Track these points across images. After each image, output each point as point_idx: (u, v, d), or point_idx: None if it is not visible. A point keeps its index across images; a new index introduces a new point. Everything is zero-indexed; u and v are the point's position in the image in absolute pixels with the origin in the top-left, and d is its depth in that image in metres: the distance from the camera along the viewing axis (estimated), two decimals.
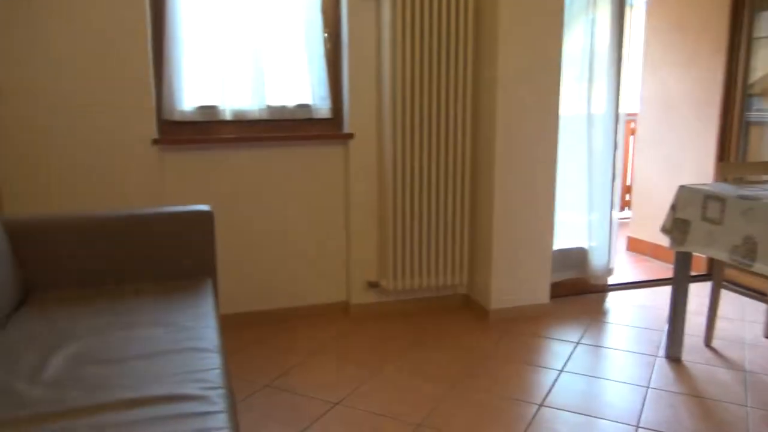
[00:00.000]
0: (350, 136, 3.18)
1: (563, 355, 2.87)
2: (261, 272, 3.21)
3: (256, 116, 3.08)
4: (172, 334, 1.77)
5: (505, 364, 2.77)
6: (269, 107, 3.11)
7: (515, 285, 3.31)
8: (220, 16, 2.94)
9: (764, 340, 3.04)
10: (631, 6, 3.64)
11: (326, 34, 3.14)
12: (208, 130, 3.06)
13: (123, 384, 1.46)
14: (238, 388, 2.53)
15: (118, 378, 1.50)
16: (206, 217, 2.39)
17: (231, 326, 3.19)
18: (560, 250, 3.60)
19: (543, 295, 3.37)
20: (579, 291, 3.73)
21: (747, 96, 3.73)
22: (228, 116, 3.04)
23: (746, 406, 2.40)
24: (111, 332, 1.79)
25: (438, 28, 3.09)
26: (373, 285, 3.35)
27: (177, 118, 2.98)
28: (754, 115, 3.71)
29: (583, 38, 3.49)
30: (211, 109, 3.03)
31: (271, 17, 3.04)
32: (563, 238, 3.62)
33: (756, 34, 3.65)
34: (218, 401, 1.39)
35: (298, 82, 3.14)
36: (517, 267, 3.29)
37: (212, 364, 1.58)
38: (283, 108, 3.15)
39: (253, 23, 2.98)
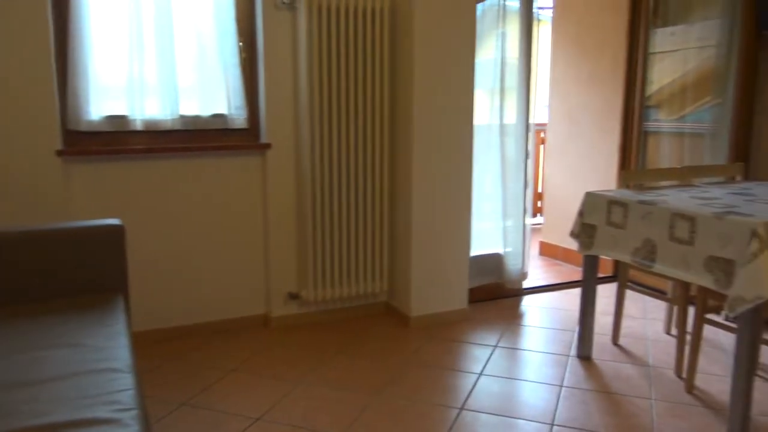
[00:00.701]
0: (267, 146, 3.15)
1: (482, 358, 2.94)
2: (177, 287, 3.12)
3: (169, 126, 2.99)
4: (81, 355, 1.69)
5: (426, 369, 2.81)
6: (183, 117, 3.03)
7: (434, 292, 3.37)
8: (130, 23, 2.84)
9: (665, 335, 3.24)
10: (539, 21, 3.81)
11: (241, 44, 3.10)
12: (117, 140, 2.94)
13: (29, 410, 1.38)
14: (153, 409, 2.43)
15: (24, 403, 1.41)
16: (116, 231, 2.29)
17: (146, 344, 3.07)
18: (477, 257, 3.70)
19: (461, 301, 3.45)
20: (496, 295, 3.84)
21: (645, 107, 3.98)
22: (139, 126, 2.93)
23: (650, 398, 2.54)
24: (15, 354, 1.69)
25: (354, 38, 3.12)
26: (293, 296, 3.31)
27: (84, 128, 2.85)
28: (651, 125, 3.96)
29: (494, 51, 3.62)
30: (120, 119, 2.92)
31: (184, 26, 2.97)
32: (480, 245, 3.72)
33: (651, 49, 3.90)
34: (131, 423, 1.33)
35: (212, 91, 3.08)
36: (436, 274, 3.35)
37: (124, 384, 1.52)
38: (197, 118, 3.08)
39: (166, 31, 2.90)
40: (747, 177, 3.41)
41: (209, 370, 2.78)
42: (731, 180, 3.24)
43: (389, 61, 3.24)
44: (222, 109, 3.11)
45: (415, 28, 3.08)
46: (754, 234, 2.08)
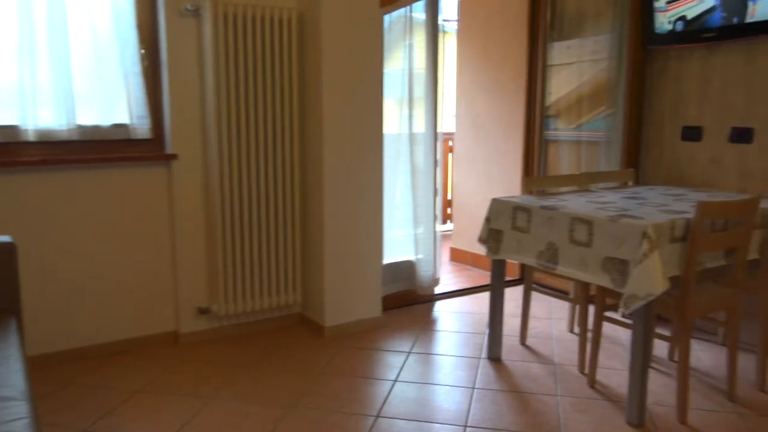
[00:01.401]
0: (173, 156, 3.05)
1: (396, 365, 2.97)
2: (77, 306, 2.95)
3: (66, 137, 2.84)
4: None
5: (341, 379, 2.80)
6: (80, 127, 2.89)
7: (348, 301, 3.37)
8: (20, 26, 2.67)
9: (569, 334, 3.39)
10: (444, 32, 3.91)
11: (143, 51, 2.99)
12: (8, 152, 2.76)
13: None
14: None
15: None
16: (7, 250, 2.14)
17: (43, 368, 2.88)
18: (390, 264, 3.74)
19: (375, 309, 3.47)
20: (409, 302, 3.89)
21: (545, 117, 4.17)
22: (32, 137, 2.76)
23: (556, 395, 2.65)
24: None
25: (262, 47, 3.09)
26: (203, 311, 3.22)
27: None
28: (551, 134, 4.16)
29: (402, 62, 3.68)
30: (10, 129, 2.74)
31: (81, 32, 2.83)
32: (392, 253, 3.76)
33: (549, 62, 4.10)
34: None
35: (113, 100, 2.95)
36: (350, 283, 3.36)
37: (18, 413, 1.42)
38: (96, 128, 2.94)
39: (60, 37, 2.75)
40: (638, 182, 3.65)
41: (113, 393, 2.65)
42: (624, 185, 3.45)
43: (298, 71, 3.23)
44: (123, 118, 2.99)
45: (323, 38, 3.09)
46: (644, 235, 2.23)
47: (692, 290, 2.36)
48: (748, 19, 2.99)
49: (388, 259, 3.69)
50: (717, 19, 3.12)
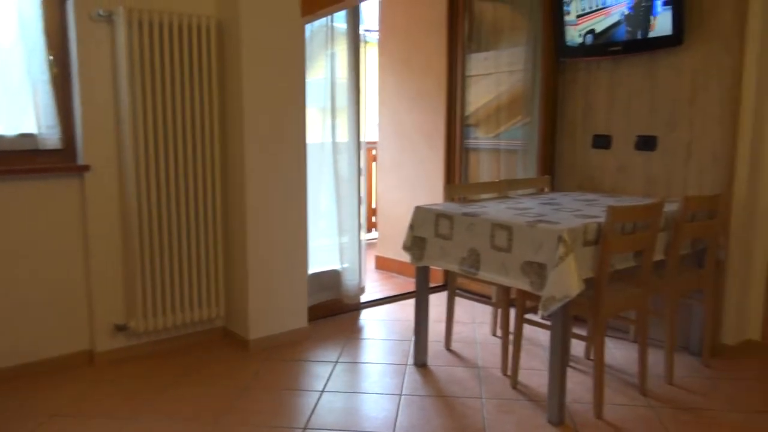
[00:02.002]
0: (86, 168, 2.92)
1: (323, 375, 2.95)
2: None
3: None
4: None
5: (266, 392, 2.76)
6: None
7: (273, 312, 3.32)
8: None
9: (492, 337, 3.48)
10: (365, 42, 3.95)
11: (52, 58, 2.85)
12: None
13: None
14: None
15: None
16: None
17: None
18: (315, 274, 3.71)
19: (301, 320, 3.44)
20: (335, 311, 3.88)
21: (465, 126, 4.28)
22: None
23: (481, 398, 2.71)
24: None
25: (180, 55, 3.01)
26: (121, 328, 3.09)
27: None
28: (471, 142, 4.27)
29: (325, 72, 3.68)
30: None
31: None
32: (317, 262, 3.74)
33: (468, 72, 4.21)
34: None
35: (19, 109, 2.80)
36: (274, 294, 3.31)
37: None
38: (0, 138, 2.77)
39: None
40: (553, 188, 3.80)
41: (25, 419, 2.49)
42: (541, 191, 3.58)
43: (218, 80, 3.17)
44: (31, 128, 2.84)
45: (244, 47, 3.05)
46: (560, 239, 2.32)
47: (605, 291, 2.48)
48: (651, 34, 3.18)
49: (313, 268, 3.67)
50: (622, 33, 3.30)
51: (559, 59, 3.69)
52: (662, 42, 3.15)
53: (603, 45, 3.41)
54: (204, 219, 3.19)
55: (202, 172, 3.16)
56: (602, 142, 3.57)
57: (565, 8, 3.53)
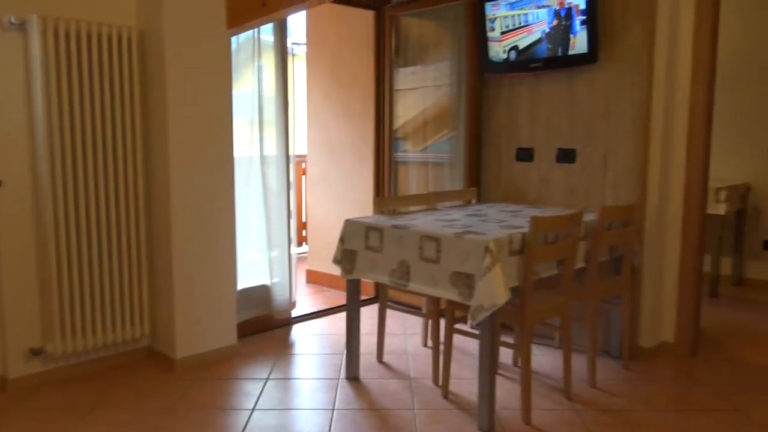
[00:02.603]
0: None
1: (254, 393, 2.90)
2: None
3: None
4: None
5: (194, 413, 2.67)
6: None
7: (201, 330, 3.23)
8: None
9: (423, 348, 3.52)
10: (293, 55, 3.94)
11: None
12: None
13: None
14: None
15: None
16: None
17: None
18: (244, 290, 3.65)
19: (230, 337, 3.37)
20: (265, 327, 3.82)
21: (393, 139, 4.33)
22: None
23: (413, 409, 2.73)
24: None
25: (99, 66, 2.91)
26: (36, 352, 2.92)
27: None
28: (400, 155, 4.32)
29: (252, 84, 3.64)
30: None
31: None
32: (246, 277, 3.68)
33: (396, 86, 4.27)
34: None
35: None
36: (202, 312, 3.23)
37: None
38: None
39: None
40: (480, 200, 3.89)
41: None
42: (468, 203, 3.66)
43: (140, 92, 3.08)
44: None
45: (167, 58, 2.98)
46: (486, 250, 2.38)
47: (530, 299, 2.56)
48: (570, 52, 3.33)
49: (242, 284, 3.60)
50: (543, 50, 3.44)
51: (483, 74, 3.79)
52: (579, 60, 3.30)
53: (525, 61, 3.53)
54: (126, 234, 3.08)
55: (124, 186, 3.05)
56: (525, 154, 3.69)
57: (489, 25, 3.64)
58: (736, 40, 4.77)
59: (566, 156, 3.50)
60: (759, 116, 4.79)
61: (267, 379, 3.07)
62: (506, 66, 3.63)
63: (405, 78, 4.22)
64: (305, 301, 4.50)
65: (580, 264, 2.88)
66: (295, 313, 4.02)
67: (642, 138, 3.21)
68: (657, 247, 3.31)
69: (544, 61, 3.44)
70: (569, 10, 3.27)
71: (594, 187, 3.41)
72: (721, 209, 4.38)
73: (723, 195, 4.37)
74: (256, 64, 3.64)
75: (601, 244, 2.90)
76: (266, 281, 3.79)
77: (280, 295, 3.80)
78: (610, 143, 3.33)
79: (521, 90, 3.68)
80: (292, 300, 3.91)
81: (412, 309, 3.57)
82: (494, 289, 2.35)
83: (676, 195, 3.31)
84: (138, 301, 3.16)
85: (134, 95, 3.04)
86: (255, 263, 3.76)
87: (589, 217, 2.98)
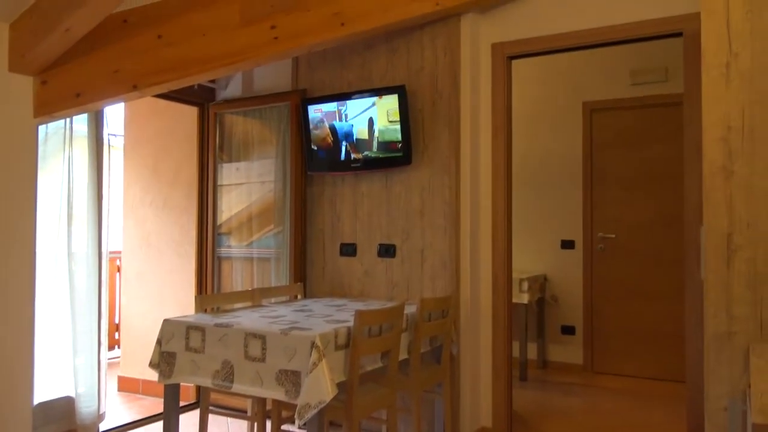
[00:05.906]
0: None
1: None
2: None
3: None
4: None
5: None
6: None
7: None
8: None
9: None
10: (110, 146, 3.77)
11: None
12: None
13: None
14: None
15: None
16: None
17: None
18: (42, 403, 3.23)
19: None
20: None
21: (217, 234, 4.24)
22: None
23: None
24: None
25: None
26: None
27: None
28: (224, 251, 4.22)
29: (61, 176, 3.41)
30: None
31: None
32: (46, 389, 3.27)
33: (220, 181, 4.24)
34: None
35: None
36: None
37: None
38: None
39: None
40: (306, 295, 3.90)
41: None
42: (294, 298, 3.65)
43: None
44: None
45: None
46: (313, 345, 2.37)
47: (356, 393, 2.57)
48: (386, 154, 3.57)
49: (40, 396, 3.19)
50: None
51: (307, 172, 3.91)
52: (395, 161, 3.55)
53: (346, 161, 3.72)
54: None
55: None
56: (349, 249, 3.81)
57: (312, 125, 3.80)
58: (535, 145, 5.45)
59: (387, 251, 3.67)
60: (551, 212, 5.44)
61: None
62: (329, 165, 3.79)
63: (229, 173, 4.22)
64: (116, 411, 4.08)
65: (403, 355, 2.97)
66: (103, 427, 3.62)
67: (454, 234, 3.48)
68: (472, 335, 3.53)
69: (363, 161, 3.65)
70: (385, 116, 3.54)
71: (413, 280, 3.59)
72: (524, 298, 4.81)
73: (525, 285, 4.82)
74: (66, 154, 3.42)
75: (422, 334, 3.03)
76: (70, 392, 3.39)
77: (86, 407, 3.41)
78: (426, 238, 3.56)
79: (343, 188, 3.84)
80: (101, 412, 3.53)
81: (237, 412, 3.40)
82: (321, 386, 2.33)
83: (485, 286, 3.59)
84: None
85: None
86: (56, 372, 3.37)
87: (410, 309, 3.12)
